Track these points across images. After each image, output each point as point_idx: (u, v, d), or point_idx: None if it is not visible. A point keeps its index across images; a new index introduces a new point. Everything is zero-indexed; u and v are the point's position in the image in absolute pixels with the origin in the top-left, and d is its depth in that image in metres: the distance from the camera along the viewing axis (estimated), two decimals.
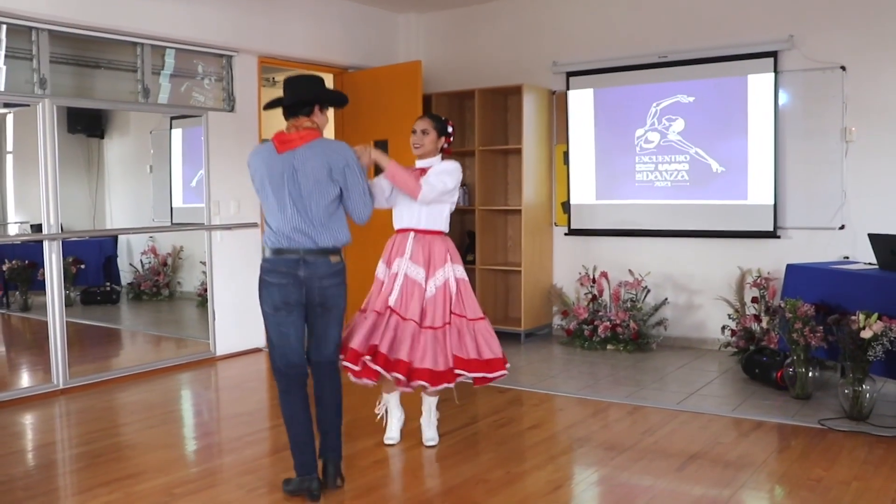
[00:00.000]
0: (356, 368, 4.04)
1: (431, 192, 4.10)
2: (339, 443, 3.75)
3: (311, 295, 3.59)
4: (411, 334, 4.06)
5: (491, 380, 4.21)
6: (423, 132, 4.26)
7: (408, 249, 4.17)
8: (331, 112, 3.92)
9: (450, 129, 4.33)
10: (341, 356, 3.96)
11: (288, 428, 3.63)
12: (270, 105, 3.78)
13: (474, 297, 4.27)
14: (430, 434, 4.35)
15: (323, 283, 3.59)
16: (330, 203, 3.59)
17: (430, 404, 4.37)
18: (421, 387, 4.14)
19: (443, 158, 4.34)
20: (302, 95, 3.63)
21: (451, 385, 4.15)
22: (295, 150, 3.56)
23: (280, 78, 10.13)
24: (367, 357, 4.01)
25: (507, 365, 4.29)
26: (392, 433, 4.39)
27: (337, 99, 3.92)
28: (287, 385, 3.64)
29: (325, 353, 3.73)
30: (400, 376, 4.04)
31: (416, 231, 4.19)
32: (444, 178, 4.14)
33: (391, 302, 4.12)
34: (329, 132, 7.45)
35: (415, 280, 4.13)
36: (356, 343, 4.03)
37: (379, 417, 4.47)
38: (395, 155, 7.30)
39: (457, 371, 4.12)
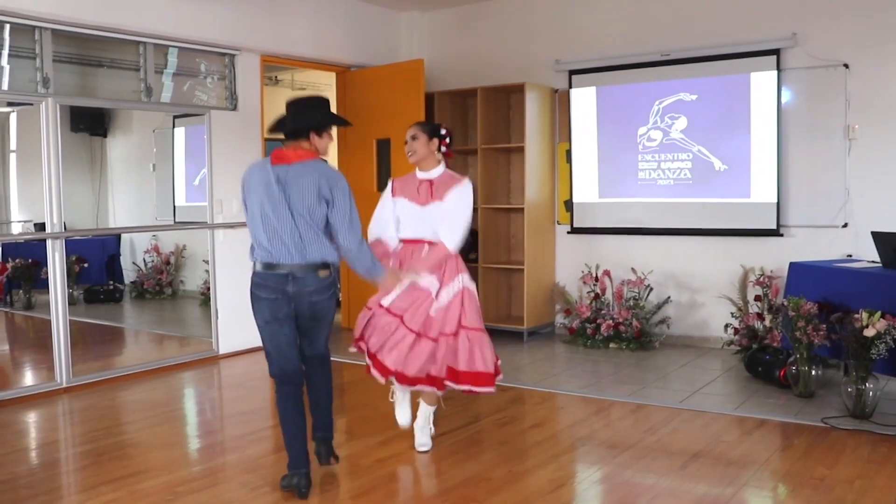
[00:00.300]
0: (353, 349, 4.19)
1: (457, 236, 4.08)
2: (331, 423, 3.93)
3: (300, 309, 3.69)
4: (404, 341, 3.97)
5: (477, 393, 4.16)
6: (413, 138, 4.16)
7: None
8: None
9: (443, 131, 4.18)
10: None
11: (282, 425, 3.73)
12: (273, 129, 3.82)
13: (478, 306, 4.18)
14: (422, 440, 4.29)
15: (312, 298, 3.67)
16: (319, 220, 3.63)
17: (426, 412, 4.31)
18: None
19: (447, 165, 4.23)
20: (298, 124, 3.69)
21: (440, 392, 4.14)
22: (288, 166, 3.63)
23: (282, 77, 10.15)
24: (354, 348, 4.15)
25: (499, 377, 4.18)
26: (403, 418, 4.34)
27: (333, 124, 3.86)
28: (281, 386, 3.73)
29: (317, 350, 3.87)
30: (381, 378, 4.04)
31: (430, 243, 4.10)
32: (461, 214, 4.09)
33: (385, 302, 4.04)
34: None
35: (423, 288, 4.01)
36: (357, 331, 4.18)
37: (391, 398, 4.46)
38: (396, 154, 7.36)
39: (447, 382, 4.08)
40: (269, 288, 3.65)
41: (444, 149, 4.19)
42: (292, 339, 3.73)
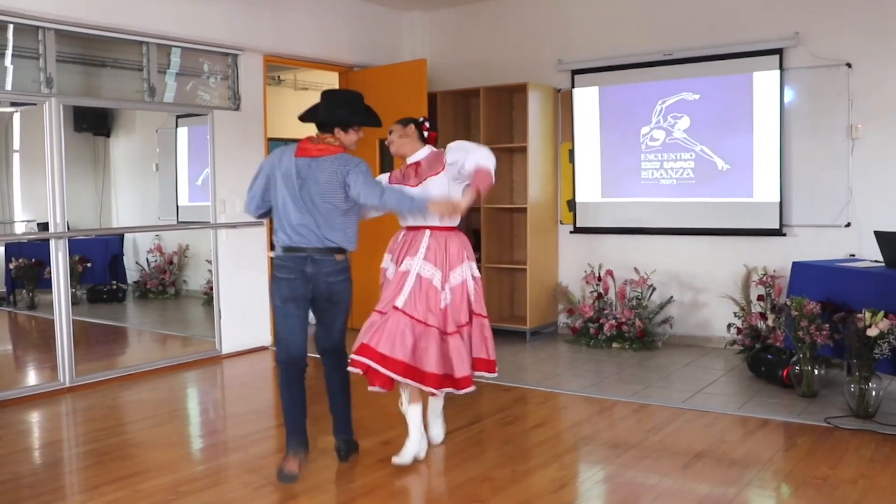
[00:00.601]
0: (359, 371, 3.91)
1: (487, 156, 3.96)
2: (349, 422, 4.10)
3: (317, 290, 3.84)
4: (436, 343, 3.89)
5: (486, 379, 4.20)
6: (389, 132, 4.19)
7: (422, 248, 3.98)
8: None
9: (420, 119, 4.22)
10: (353, 357, 3.95)
11: (283, 409, 3.89)
12: (304, 117, 3.95)
13: (482, 293, 4.19)
14: (436, 431, 4.31)
15: (329, 279, 3.83)
16: (337, 209, 3.79)
17: (437, 405, 4.30)
18: (449, 392, 4.05)
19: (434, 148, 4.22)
20: (325, 118, 3.86)
21: (472, 388, 4.02)
22: (309, 159, 3.80)
23: (285, 76, 10.16)
24: (374, 363, 3.86)
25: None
26: (406, 454, 4.02)
27: (361, 122, 3.96)
28: (284, 374, 3.87)
29: (332, 341, 4.00)
30: (435, 391, 3.94)
31: (432, 229, 4.04)
32: (472, 147, 4.05)
33: (399, 303, 3.90)
34: None
35: (430, 281, 3.94)
36: (356, 346, 3.93)
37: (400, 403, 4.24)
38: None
39: (477, 373, 4.06)
40: (288, 268, 3.81)
41: (425, 133, 4.19)
42: (304, 324, 3.88)
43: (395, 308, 3.92)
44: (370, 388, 3.94)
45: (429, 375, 3.90)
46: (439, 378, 3.92)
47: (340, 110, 3.86)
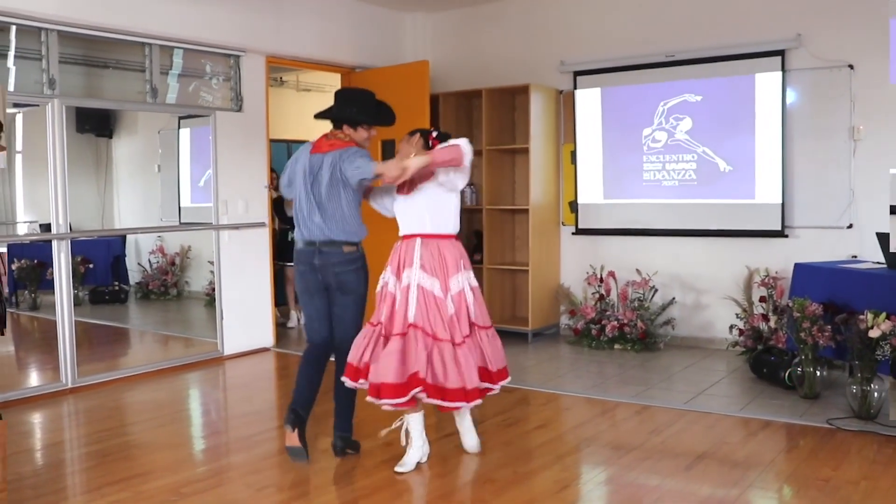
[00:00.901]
0: (396, 401, 3.81)
1: (464, 149, 3.88)
2: (349, 421, 4.18)
3: (327, 280, 4.03)
4: (451, 356, 3.82)
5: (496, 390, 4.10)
6: (397, 143, 4.19)
7: (416, 258, 3.91)
8: None
9: (428, 129, 4.16)
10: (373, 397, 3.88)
11: (295, 383, 4.07)
12: (320, 115, 4.14)
13: (483, 303, 4.12)
14: (471, 441, 4.19)
15: (336, 269, 3.99)
16: (344, 200, 3.94)
17: (465, 412, 4.15)
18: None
19: None
20: (336, 115, 4.07)
21: (481, 400, 3.97)
22: (321, 155, 4.01)
23: (287, 78, 10.17)
24: (417, 389, 3.80)
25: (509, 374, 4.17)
26: (409, 462, 3.99)
27: (368, 121, 4.06)
28: (306, 352, 4.13)
29: (344, 337, 4.07)
30: (458, 405, 3.86)
31: (423, 236, 3.97)
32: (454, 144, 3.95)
33: (412, 319, 3.85)
34: None
35: (431, 292, 3.87)
36: (391, 376, 3.79)
37: (384, 434, 4.15)
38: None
39: (484, 385, 3.98)
40: (301, 262, 4.06)
41: (430, 143, 4.09)
42: (322, 312, 4.10)
43: (411, 325, 3.85)
44: (389, 408, 3.89)
45: (450, 391, 3.82)
46: (462, 392, 3.83)
47: (349, 108, 4.03)
